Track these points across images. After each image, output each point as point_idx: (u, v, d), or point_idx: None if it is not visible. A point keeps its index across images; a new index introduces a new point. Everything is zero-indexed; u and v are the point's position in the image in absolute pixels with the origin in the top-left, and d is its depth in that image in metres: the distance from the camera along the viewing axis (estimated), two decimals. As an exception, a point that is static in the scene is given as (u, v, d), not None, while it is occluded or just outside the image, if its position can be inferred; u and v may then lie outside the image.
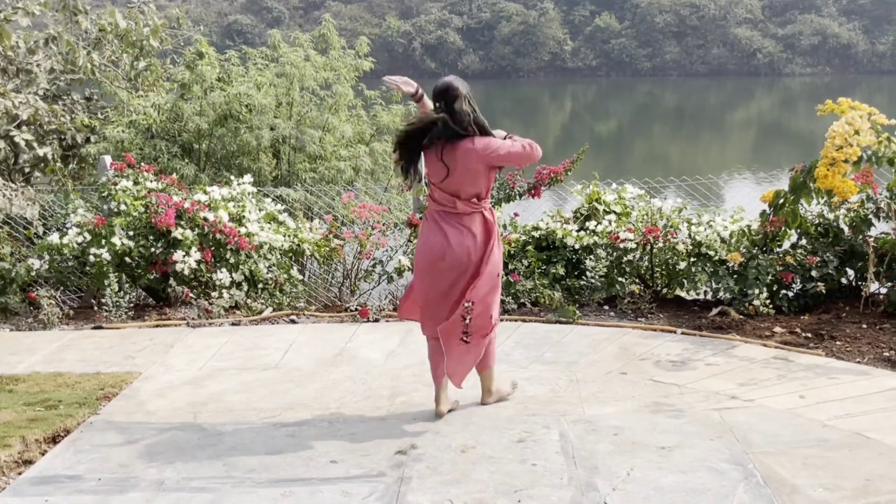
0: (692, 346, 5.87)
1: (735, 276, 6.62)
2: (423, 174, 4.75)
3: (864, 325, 6.15)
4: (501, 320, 6.58)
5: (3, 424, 4.60)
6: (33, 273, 7.13)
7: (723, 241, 6.85)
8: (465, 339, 4.55)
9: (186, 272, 6.98)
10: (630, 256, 7.09)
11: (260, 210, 7.69)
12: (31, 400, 5.00)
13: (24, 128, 11.26)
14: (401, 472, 4.01)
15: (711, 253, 6.75)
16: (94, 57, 12.93)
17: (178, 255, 6.92)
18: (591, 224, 7.18)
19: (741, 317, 6.42)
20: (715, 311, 6.60)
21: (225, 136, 11.57)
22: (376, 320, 6.70)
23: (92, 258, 6.88)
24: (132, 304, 7.14)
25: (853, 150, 6.11)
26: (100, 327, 6.71)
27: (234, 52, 12.94)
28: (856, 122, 6.19)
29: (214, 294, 7.12)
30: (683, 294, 7.20)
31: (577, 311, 6.59)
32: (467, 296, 4.49)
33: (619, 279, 7.05)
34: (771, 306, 6.52)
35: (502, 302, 6.83)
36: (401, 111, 13.67)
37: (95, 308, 7.09)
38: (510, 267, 7.02)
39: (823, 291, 6.54)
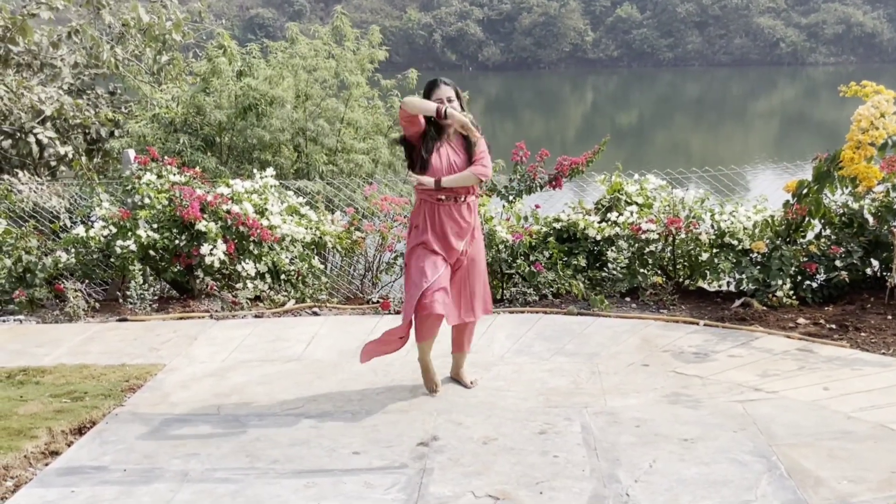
0: (714, 337, 5.85)
1: (759, 266, 6.58)
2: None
3: (890, 317, 6.09)
4: (523, 312, 6.61)
5: (30, 416, 4.65)
6: (60, 265, 7.21)
7: (745, 230, 6.81)
8: None
9: (216, 264, 7.02)
10: (652, 248, 7.06)
11: (282, 203, 7.72)
12: (57, 392, 5.06)
13: (48, 123, 11.37)
14: (423, 464, 4.03)
15: (735, 242, 6.71)
16: (118, 51, 13.04)
17: (205, 247, 6.97)
18: (613, 215, 7.15)
19: (764, 308, 6.38)
20: (738, 302, 6.56)
21: (246, 130, 11.62)
22: (398, 312, 6.72)
23: (118, 250, 6.94)
24: (156, 297, 7.20)
25: (879, 133, 6.06)
26: (125, 320, 6.78)
27: (256, 46, 12.98)
28: (882, 105, 6.14)
29: (238, 286, 7.17)
30: (706, 285, 7.17)
31: (605, 300, 6.60)
32: None
33: (641, 271, 7.03)
34: (794, 297, 6.47)
35: (524, 293, 6.85)
36: None
37: (120, 300, 7.16)
38: (531, 258, 7.02)
39: (847, 281, 6.49)
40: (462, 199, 4.79)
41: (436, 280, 4.65)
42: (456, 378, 5.12)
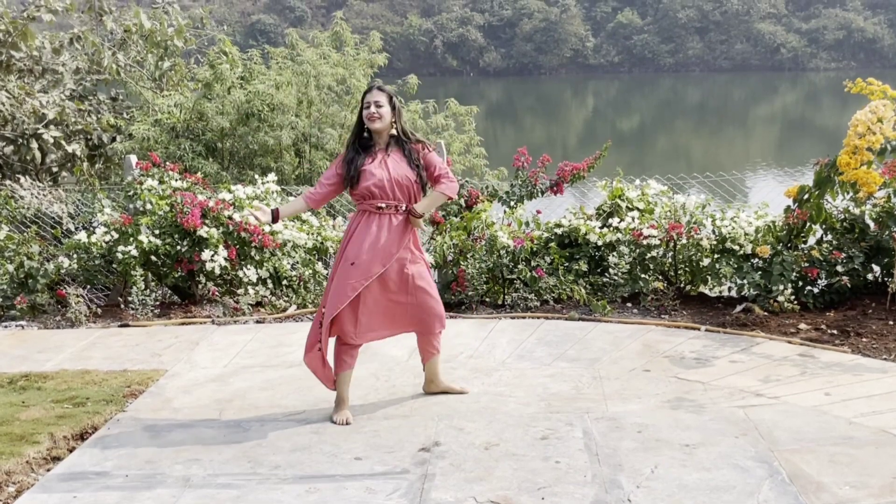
0: (716, 342, 5.85)
1: (760, 271, 6.58)
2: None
3: (891, 322, 6.10)
4: (524, 317, 6.61)
5: (32, 421, 4.66)
6: (62, 271, 7.21)
7: (747, 235, 6.81)
8: None
9: (217, 270, 7.02)
10: (653, 253, 7.06)
11: (283, 208, 7.72)
12: (59, 397, 5.06)
13: (51, 127, 11.40)
14: (424, 469, 4.03)
15: (736, 248, 6.72)
16: (120, 57, 13.06)
17: (206, 253, 6.97)
18: (614, 221, 7.15)
19: (765, 313, 6.38)
20: (739, 307, 6.56)
21: (247, 135, 11.64)
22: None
23: (120, 255, 6.94)
24: (158, 303, 7.20)
25: (876, 138, 6.06)
26: (126, 325, 6.78)
27: (257, 52, 13.01)
28: (879, 110, 6.14)
29: (240, 291, 7.17)
30: (707, 291, 7.17)
31: (607, 306, 6.61)
32: None
33: (643, 276, 7.03)
34: (796, 302, 6.47)
35: (525, 299, 6.84)
36: (419, 108, 13.75)
37: (122, 306, 7.16)
38: (533, 263, 7.02)
39: (848, 286, 6.49)
40: (403, 208, 4.63)
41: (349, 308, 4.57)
42: (436, 390, 5.00)
